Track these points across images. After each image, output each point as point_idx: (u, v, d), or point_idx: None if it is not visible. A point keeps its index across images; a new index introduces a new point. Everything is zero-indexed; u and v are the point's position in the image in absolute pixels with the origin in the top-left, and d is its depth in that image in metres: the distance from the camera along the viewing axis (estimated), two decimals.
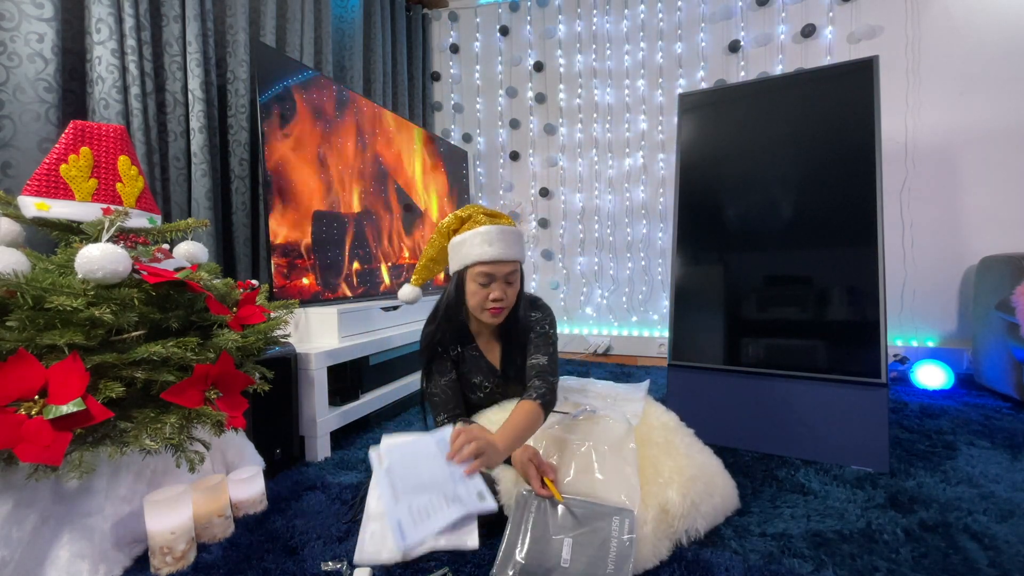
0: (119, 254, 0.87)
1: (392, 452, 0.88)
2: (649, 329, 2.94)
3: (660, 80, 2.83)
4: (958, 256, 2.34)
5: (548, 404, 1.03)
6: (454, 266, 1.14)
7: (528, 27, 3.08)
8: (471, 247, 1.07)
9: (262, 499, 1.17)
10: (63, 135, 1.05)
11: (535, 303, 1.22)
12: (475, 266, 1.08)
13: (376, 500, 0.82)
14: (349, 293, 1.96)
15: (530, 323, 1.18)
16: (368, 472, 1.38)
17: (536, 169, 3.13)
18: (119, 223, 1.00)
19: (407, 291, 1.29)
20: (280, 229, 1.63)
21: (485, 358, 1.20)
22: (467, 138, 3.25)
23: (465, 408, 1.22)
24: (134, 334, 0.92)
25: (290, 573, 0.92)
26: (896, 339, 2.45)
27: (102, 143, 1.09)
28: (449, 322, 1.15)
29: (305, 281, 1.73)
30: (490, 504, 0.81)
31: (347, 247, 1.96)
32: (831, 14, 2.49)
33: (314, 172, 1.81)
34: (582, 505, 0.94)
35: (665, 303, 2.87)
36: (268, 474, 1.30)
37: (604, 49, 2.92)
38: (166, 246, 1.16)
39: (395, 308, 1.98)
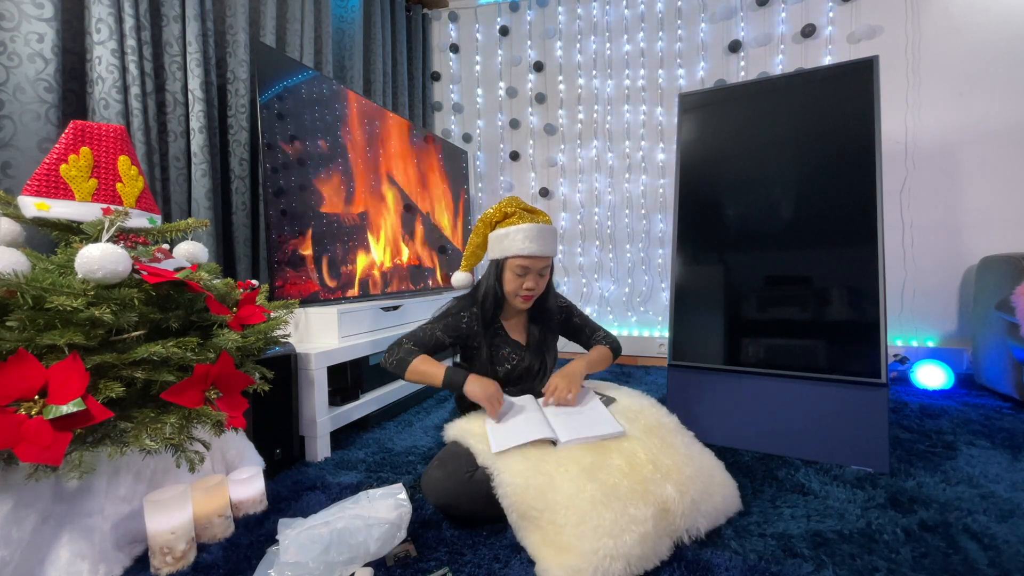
0: (119, 254, 0.87)
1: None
2: (649, 329, 2.94)
3: (660, 71, 2.83)
4: (958, 256, 2.34)
5: (615, 348, 1.40)
6: (493, 255, 1.26)
7: (528, 27, 3.08)
8: (512, 241, 1.20)
9: (262, 499, 1.17)
10: (63, 135, 1.05)
11: (558, 296, 1.42)
12: (514, 259, 1.21)
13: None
14: (349, 293, 1.96)
15: (557, 309, 1.39)
16: (368, 472, 1.38)
17: (536, 168, 3.13)
18: (119, 223, 1.00)
19: (459, 277, 1.38)
20: (280, 229, 1.63)
21: (511, 336, 1.34)
22: (467, 138, 3.25)
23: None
24: (134, 334, 0.92)
25: None
26: (896, 339, 2.45)
27: (102, 143, 1.09)
28: (489, 305, 1.27)
29: (305, 281, 1.73)
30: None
31: (347, 248, 1.96)
32: (831, 14, 2.49)
33: (314, 172, 1.81)
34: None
35: (665, 301, 2.87)
36: (268, 474, 1.30)
37: (604, 39, 2.93)
38: (166, 246, 1.16)
39: (395, 308, 1.98)
